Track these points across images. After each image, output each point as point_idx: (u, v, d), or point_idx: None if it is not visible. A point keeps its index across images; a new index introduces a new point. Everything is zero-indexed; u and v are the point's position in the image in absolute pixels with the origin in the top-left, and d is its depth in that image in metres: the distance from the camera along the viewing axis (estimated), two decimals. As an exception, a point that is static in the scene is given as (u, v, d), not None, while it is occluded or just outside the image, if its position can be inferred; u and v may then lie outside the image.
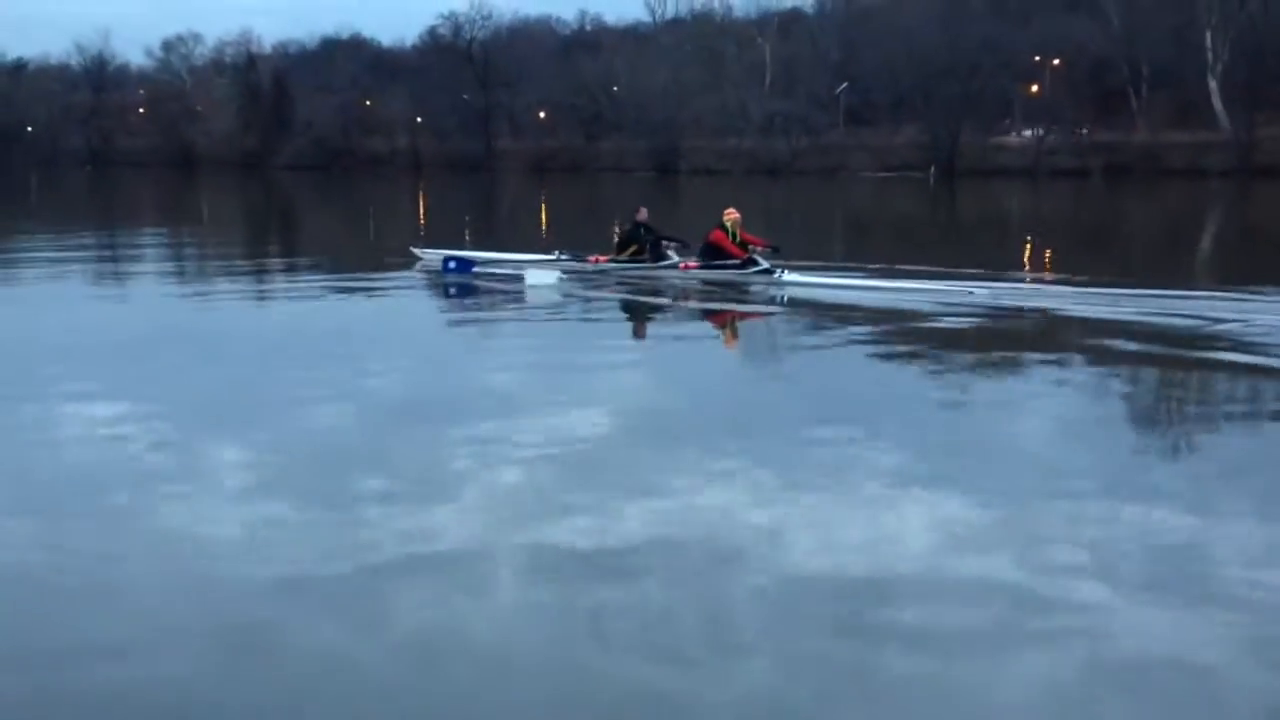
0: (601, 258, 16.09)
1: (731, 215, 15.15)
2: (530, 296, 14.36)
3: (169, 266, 21.32)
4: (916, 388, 9.20)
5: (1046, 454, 7.03)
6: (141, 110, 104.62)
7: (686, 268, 15.17)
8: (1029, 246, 23.88)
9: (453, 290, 15.58)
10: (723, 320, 13.54)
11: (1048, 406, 8.45)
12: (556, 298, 14.40)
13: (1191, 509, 5.95)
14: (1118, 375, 9.70)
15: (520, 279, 15.07)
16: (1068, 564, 5.15)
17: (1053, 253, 21.81)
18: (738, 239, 15.18)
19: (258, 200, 53.36)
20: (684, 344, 12.06)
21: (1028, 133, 64.63)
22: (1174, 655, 4.32)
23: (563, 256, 16.32)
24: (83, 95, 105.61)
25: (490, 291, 15.13)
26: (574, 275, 15.69)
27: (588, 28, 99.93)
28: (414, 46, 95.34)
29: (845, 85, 74.03)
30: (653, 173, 69.19)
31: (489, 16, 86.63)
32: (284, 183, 70.70)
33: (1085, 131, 61.17)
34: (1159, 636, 4.47)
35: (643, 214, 16.20)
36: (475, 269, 16.45)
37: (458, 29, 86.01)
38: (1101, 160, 58.23)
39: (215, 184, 68.85)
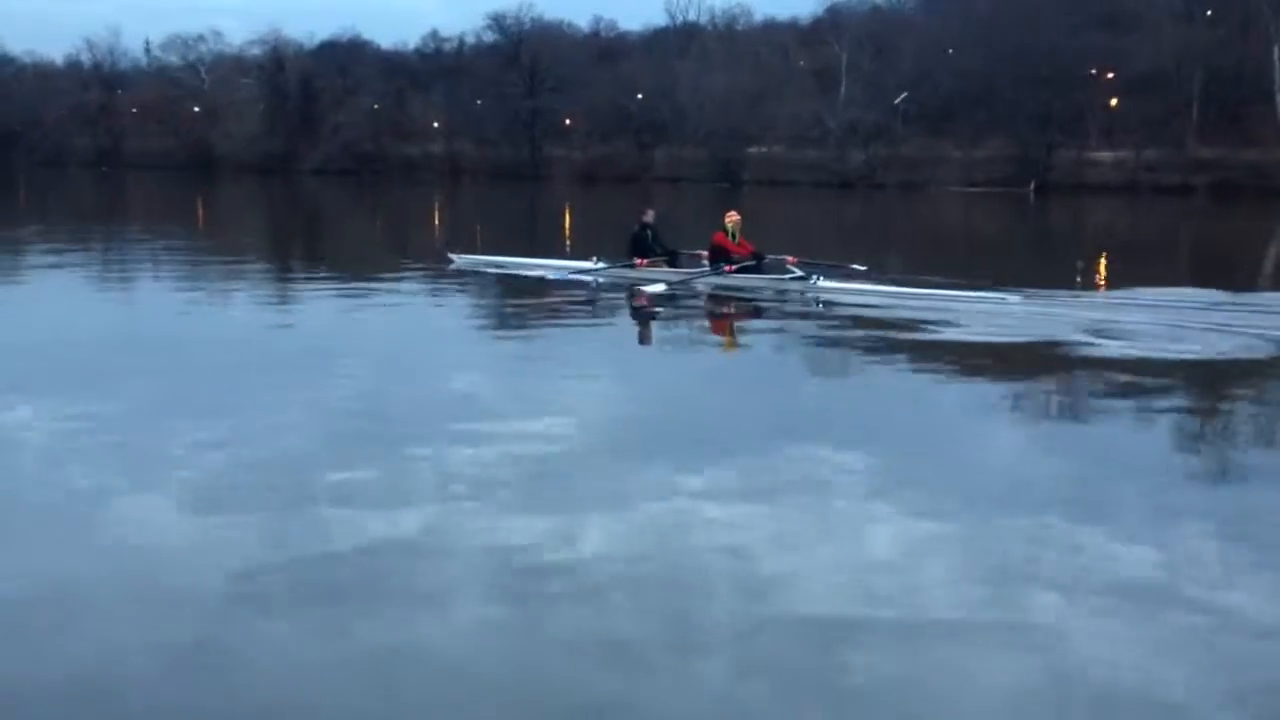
0: (642, 262, 16.31)
1: (733, 218, 15.85)
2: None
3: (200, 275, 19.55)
4: (913, 400, 9.08)
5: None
6: (134, 111, 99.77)
7: (730, 271, 15.52)
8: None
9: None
10: (731, 327, 13.76)
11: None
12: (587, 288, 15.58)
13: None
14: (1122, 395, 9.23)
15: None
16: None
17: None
18: (737, 240, 15.86)
19: (292, 205, 51.57)
20: (701, 352, 12.14)
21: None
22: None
23: (600, 263, 16.47)
24: (93, 94, 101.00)
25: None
26: (613, 280, 16.15)
27: (602, 33, 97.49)
28: (433, 50, 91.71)
29: (905, 95, 71.77)
30: (727, 184, 66.13)
31: (539, 18, 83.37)
32: (313, 188, 67.27)
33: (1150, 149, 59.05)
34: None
35: (649, 216, 16.65)
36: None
37: (503, 30, 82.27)
38: (1207, 177, 56.03)
39: (249, 189, 65.62)
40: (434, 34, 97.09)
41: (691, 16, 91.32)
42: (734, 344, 12.68)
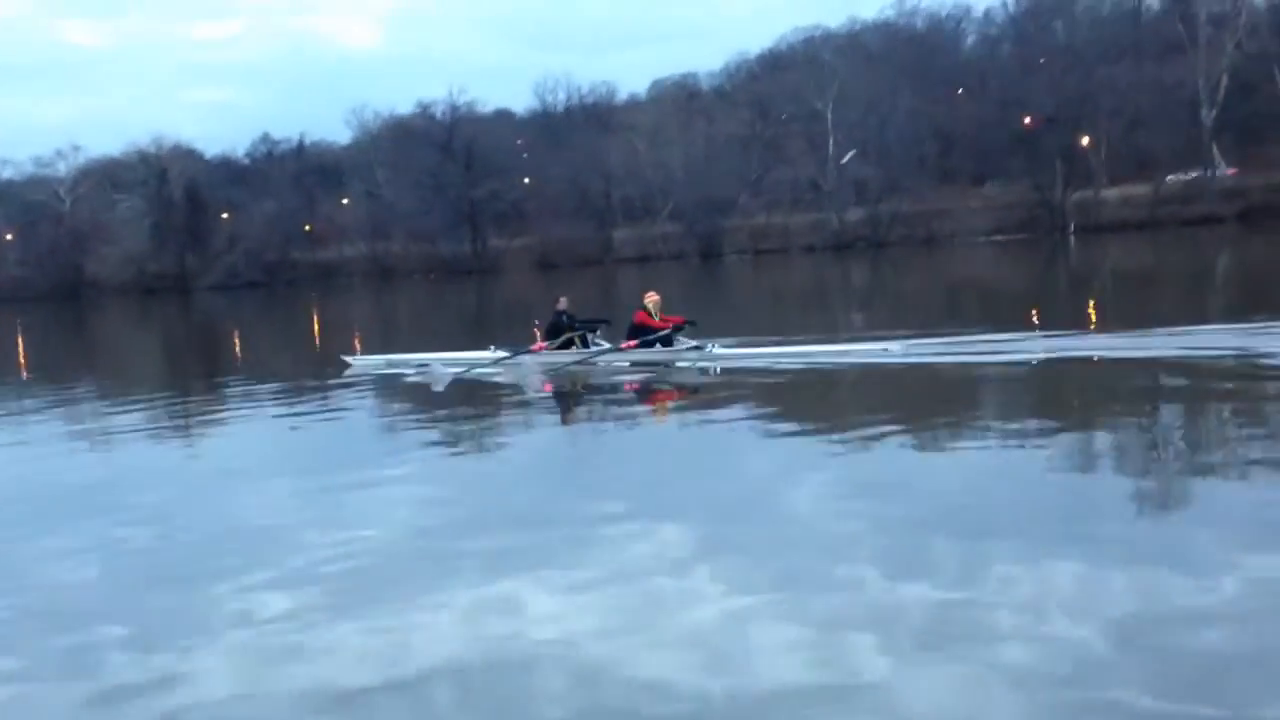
0: (540, 346, 16.29)
1: (652, 298, 15.91)
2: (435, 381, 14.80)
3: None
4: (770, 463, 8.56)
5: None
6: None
7: (627, 346, 15.53)
8: None
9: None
10: (648, 396, 13.62)
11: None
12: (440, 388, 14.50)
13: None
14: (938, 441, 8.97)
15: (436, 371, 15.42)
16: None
17: None
18: (658, 318, 15.86)
19: (181, 323, 44.87)
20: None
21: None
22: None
23: (499, 351, 16.24)
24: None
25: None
26: (513, 366, 15.90)
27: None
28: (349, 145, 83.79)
29: (853, 153, 68.92)
30: (745, 253, 61.00)
31: (471, 103, 76.72)
32: (212, 305, 57.66)
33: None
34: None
35: (562, 303, 16.70)
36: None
37: (431, 119, 75.24)
38: (1233, 206, 54.83)
39: (135, 313, 55.44)
40: (266, 137, 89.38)
41: (561, 99, 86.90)
42: (628, 416, 12.20)
